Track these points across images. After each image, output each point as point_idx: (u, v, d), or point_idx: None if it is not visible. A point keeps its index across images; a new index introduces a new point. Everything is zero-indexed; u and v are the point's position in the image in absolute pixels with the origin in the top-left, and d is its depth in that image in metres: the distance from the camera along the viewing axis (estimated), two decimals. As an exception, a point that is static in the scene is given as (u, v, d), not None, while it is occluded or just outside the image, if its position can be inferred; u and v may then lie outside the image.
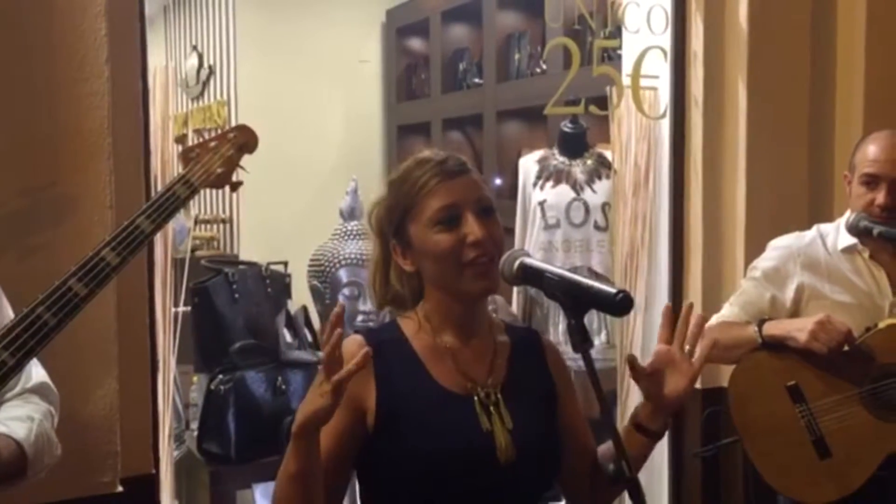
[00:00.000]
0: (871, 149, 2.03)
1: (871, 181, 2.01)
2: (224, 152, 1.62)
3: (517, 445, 1.25)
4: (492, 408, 1.27)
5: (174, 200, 1.49)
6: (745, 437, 2.09)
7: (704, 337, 2.20)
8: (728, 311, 2.16)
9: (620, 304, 1.09)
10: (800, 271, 2.08)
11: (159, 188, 2.08)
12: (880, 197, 1.98)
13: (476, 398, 1.27)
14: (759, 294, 2.12)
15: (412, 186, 1.28)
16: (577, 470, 1.37)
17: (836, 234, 2.10)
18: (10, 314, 1.38)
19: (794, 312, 2.08)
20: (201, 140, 1.65)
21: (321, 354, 1.16)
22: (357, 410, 1.25)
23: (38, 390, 1.42)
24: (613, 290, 1.10)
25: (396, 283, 1.32)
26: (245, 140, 1.66)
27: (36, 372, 1.43)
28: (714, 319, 2.19)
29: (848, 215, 2.08)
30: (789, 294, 2.08)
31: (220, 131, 1.68)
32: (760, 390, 2.06)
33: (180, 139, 1.67)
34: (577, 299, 1.13)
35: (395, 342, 1.29)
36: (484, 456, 1.24)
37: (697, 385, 2.74)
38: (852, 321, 1.96)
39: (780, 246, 2.15)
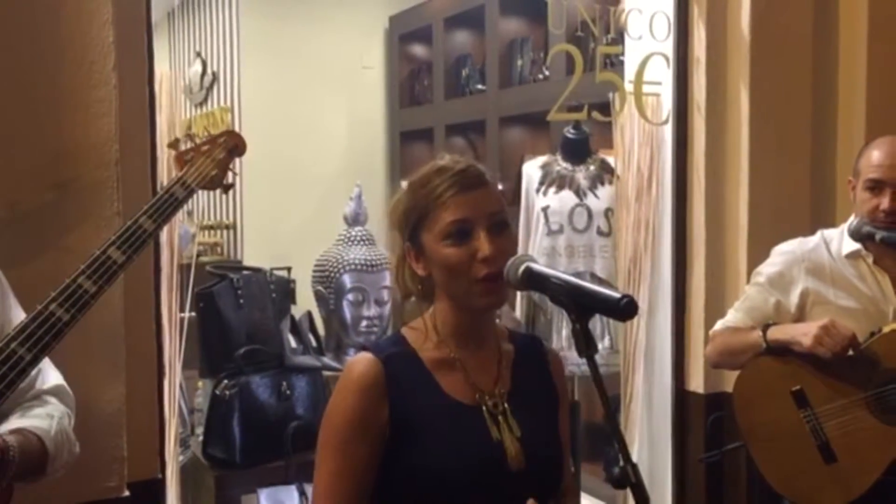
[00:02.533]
0: (876, 154, 2.04)
1: (874, 186, 2.02)
2: (216, 156, 1.69)
3: (526, 453, 1.26)
4: (500, 417, 1.28)
5: (173, 201, 1.55)
6: (750, 442, 2.09)
7: (710, 342, 2.20)
8: (733, 316, 2.17)
9: (625, 309, 1.09)
10: (804, 276, 2.09)
11: (165, 194, 2.11)
12: (885, 202, 1.99)
13: (484, 408, 1.28)
14: (763, 299, 2.13)
15: (428, 195, 1.27)
16: None
17: (841, 239, 2.11)
18: (21, 316, 1.40)
19: (799, 318, 2.09)
20: (194, 145, 1.71)
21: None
22: (377, 436, 1.25)
23: (55, 392, 1.44)
24: (618, 295, 1.10)
25: (410, 284, 1.32)
26: (234, 144, 1.73)
27: (53, 375, 1.46)
28: (719, 325, 2.20)
29: (851, 220, 2.09)
30: (794, 299, 2.09)
31: (210, 136, 1.73)
32: (765, 395, 2.07)
33: (173, 144, 1.71)
34: (581, 304, 1.13)
35: (403, 355, 1.29)
36: (495, 465, 1.24)
37: (701, 390, 2.75)
38: (857, 326, 1.96)
39: (784, 251, 2.16)
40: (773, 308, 2.11)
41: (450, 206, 1.25)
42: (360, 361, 1.27)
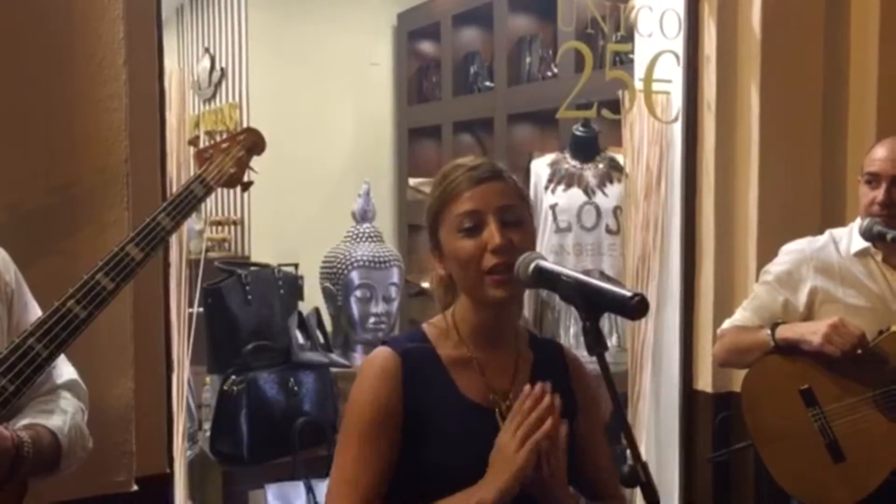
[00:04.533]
0: (877, 150, 2.07)
1: (872, 180, 2.05)
2: (235, 153, 1.69)
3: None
4: None
5: (192, 198, 1.55)
6: (759, 441, 2.09)
7: (718, 340, 2.20)
8: (741, 315, 2.17)
9: (636, 308, 1.08)
10: (812, 275, 2.09)
11: (174, 189, 2.12)
12: (879, 194, 2.01)
13: (497, 410, 1.27)
14: (772, 298, 2.13)
15: (443, 192, 1.29)
16: (591, 487, 1.37)
17: (850, 238, 2.11)
18: (38, 312, 1.40)
19: (808, 316, 2.09)
20: (213, 142, 1.71)
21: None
22: (396, 427, 1.26)
23: (69, 387, 1.44)
24: (629, 294, 1.09)
25: (437, 290, 1.34)
26: (254, 142, 1.72)
27: (67, 370, 1.46)
28: (727, 324, 2.20)
29: (860, 219, 2.09)
30: (802, 298, 2.09)
31: (230, 133, 1.73)
32: (773, 394, 2.06)
33: (193, 141, 1.72)
34: (592, 302, 1.13)
35: (422, 351, 1.30)
36: None
37: (709, 389, 2.75)
38: (865, 324, 1.96)
39: (792, 250, 2.16)
40: (781, 307, 2.11)
41: (462, 199, 1.26)
42: (379, 354, 1.29)
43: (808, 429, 2.00)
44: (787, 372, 2.03)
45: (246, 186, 1.73)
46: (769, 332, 2.05)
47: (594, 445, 1.37)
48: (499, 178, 1.28)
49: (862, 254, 2.07)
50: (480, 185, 1.26)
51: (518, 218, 1.28)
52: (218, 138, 1.72)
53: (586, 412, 1.36)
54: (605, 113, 2.77)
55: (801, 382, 2.02)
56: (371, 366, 1.28)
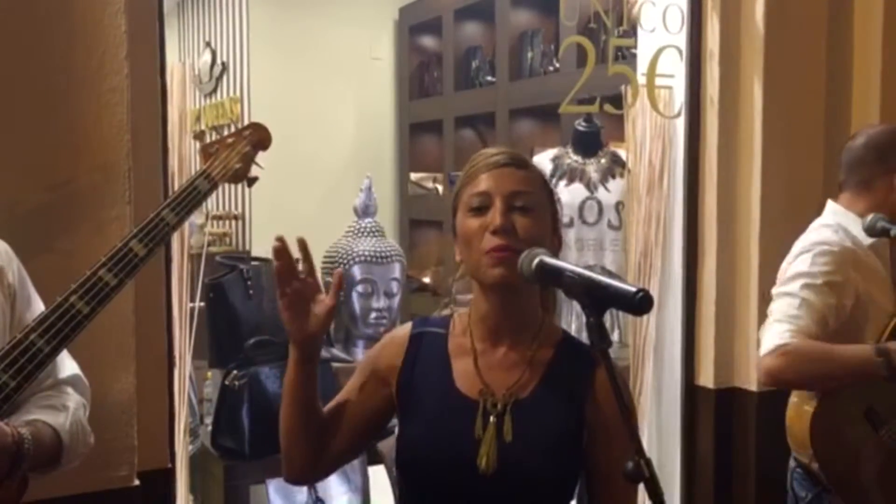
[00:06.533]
0: None
1: None
2: (241, 149, 1.68)
3: (504, 459, 1.24)
4: (492, 417, 1.26)
5: (196, 194, 1.54)
6: (843, 491, 1.92)
7: (791, 355, 1.91)
8: (796, 325, 1.87)
9: (640, 304, 1.08)
10: (854, 275, 1.94)
11: (176, 184, 2.11)
12: None
13: (481, 404, 1.27)
14: (825, 303, 1.89)
15: (464, 175, 1.34)
16: None
17: (848, 230, 2.05)
18: (41, 308, 1.40)
19: (849, 320, 1.92)
20: (219, 137, 1.71)
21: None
22: (380, 380, 1.37)
23: (71, 382, 1.44)
24: (633, 289, 1.09)
25: (456, 280, 1.39)
26: (259, 137, 1.72)
27: (69, 365, 1.46)
28: (788, 337, 1.86)
29: (849, 213, 2.04)
30: (850, 301, 1.92)
31: (234, 128, 1.73)
32: (842, 428, 1.90)
33: (199, 136, 1.71)
34: (596, 298, 1.12)
35: (434, 336, 1.35)
36: (463, 462, 1.25)
37: (710, 385, 2.74)
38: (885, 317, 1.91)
39: (828, 250, 1.94)
40: (834, 313, 1.91)
41: (478, 180, 1.30)
42: (400, 327, 1.40)
43: (881, 450, 1.89)
44: (844, 397, 1.88)
45: (251, 182, 1.72)
46: (876, 355, 1.80)
47: (610, 476, 1.27)
48: (517, 166, 1.30)
49: (874, 246, 1.99)
50: (497, 169, 1.30)
51: (528, 205, 1.28)
52: (223, 133, 1.71)
53: (606, 434, 1.27)
54: (608, 108, 2.76)
55: (862, 404, 1.88)
56: (389, 333, 1.43)
